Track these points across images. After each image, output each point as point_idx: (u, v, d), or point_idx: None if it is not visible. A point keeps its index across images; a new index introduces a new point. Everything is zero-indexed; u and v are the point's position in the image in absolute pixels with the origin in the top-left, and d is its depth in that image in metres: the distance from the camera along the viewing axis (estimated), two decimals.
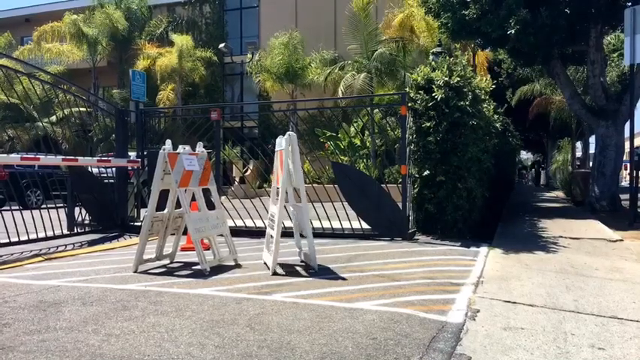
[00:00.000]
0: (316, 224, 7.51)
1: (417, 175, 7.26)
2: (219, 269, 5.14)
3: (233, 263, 5.40)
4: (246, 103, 28.46)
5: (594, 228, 8.61)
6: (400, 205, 7.12)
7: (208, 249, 5.65)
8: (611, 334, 3.22)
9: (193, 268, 5.28)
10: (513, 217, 10.70)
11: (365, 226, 7.35)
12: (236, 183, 14.71)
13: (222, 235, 5.59)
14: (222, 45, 24.98)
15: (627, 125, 10.87)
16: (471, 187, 7.19)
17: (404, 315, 3.52)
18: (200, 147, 5.61)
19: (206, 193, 5.72)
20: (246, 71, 24.90)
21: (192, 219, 5.14)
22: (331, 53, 23.22)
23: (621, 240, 7.31)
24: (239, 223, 7.83)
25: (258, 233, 7.53)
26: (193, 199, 5.51)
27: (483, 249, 6.36)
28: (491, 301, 3.94)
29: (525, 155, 61.18)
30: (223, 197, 8.30)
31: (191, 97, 27.74)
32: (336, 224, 7.41)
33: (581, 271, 5.19)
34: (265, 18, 27.82)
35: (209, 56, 26.32)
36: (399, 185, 7.32)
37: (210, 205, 5.69)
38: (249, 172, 17.53)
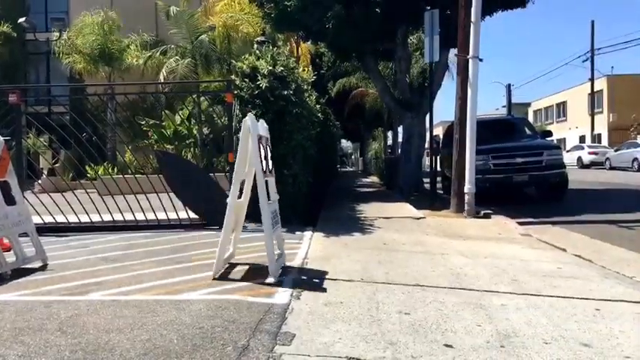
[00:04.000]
0: (139, 217, 7.10)
1: None
2: (24, 272, 4.55)
3: (41, 264, 4.84)
4: (53, 85, 25.48)
5: (403, 209, 9.63)
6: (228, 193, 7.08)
7: (10, 249, 4.97)
8: (415, 300, 3.64)
9: None
10: (335, 202, 11.41)
11: (193, 215, 7.17)
12: (44, 175, 13.13)
13: (26, 234, 4.96)
14: (22, 19, 21.92)
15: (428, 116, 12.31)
16: (296, 174, 7.47)
17: (232, 301, 3.53)
18: None
19: (5, 186, 5.00)
20: (54, 50, 22.27)
21: None
22: (152, 37, 21.97)
23: (424, 218, 8.30)
24: (48, 219, 7.03)
25: (72, 229, 6.89)
26: None
27: (308, 233, 6.67)
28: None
29: (346, 143, 65.63)
30: (28, 192, 7.38)
31: None
32: (161, 215, 7.10)
33: (392, 247, 5.77)
34: None
35: (6, 31, 22.96)
36: (228, 174, 7.27)
37: (11, 201, 5.00)
38: (59, 163, 15.79)
